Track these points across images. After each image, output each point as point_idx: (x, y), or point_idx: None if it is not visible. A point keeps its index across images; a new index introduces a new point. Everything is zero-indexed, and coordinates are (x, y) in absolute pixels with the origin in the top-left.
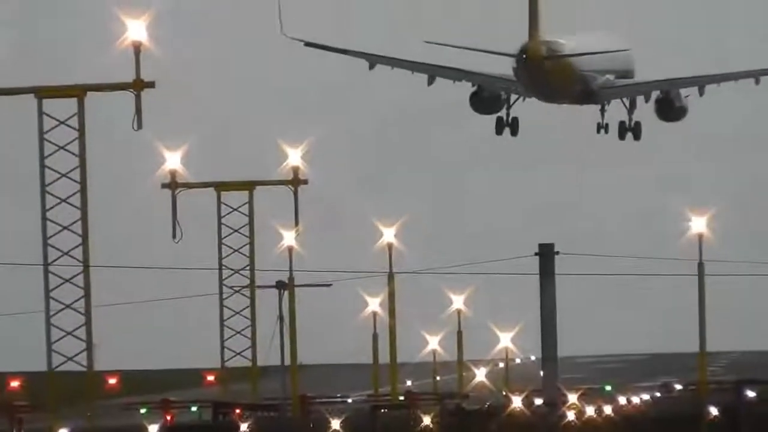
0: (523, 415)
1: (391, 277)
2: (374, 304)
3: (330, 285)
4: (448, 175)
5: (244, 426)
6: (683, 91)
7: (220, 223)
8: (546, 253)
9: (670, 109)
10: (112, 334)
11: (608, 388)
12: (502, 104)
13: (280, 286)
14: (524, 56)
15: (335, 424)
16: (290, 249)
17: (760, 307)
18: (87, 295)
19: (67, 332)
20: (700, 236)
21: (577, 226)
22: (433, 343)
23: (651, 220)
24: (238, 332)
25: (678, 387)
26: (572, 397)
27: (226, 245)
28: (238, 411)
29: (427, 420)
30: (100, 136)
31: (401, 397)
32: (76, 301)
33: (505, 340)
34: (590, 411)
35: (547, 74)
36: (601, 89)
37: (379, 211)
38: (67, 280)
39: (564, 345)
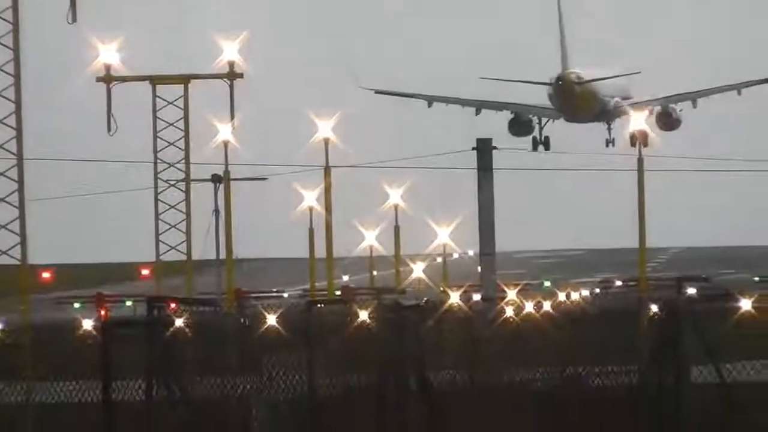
0: (460, 310)
1: (327, 171)
2: (311, 198)
3: (266, 179)
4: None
5: (179, 321)
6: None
7: (155, 117)
8: (483, 148)
9: (668, 121)
10: (47, 228)
11: (547, 283)
12: (533, 128)
13: (215, 179)
14: (560, 83)
15: (271, 319)
16: (226, 143)
17: (701, 203)
18: (21, 189)
19: (0, 226)
20: (641, 133)
21: None
22: (370, 237)
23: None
24: (173, 226)
25: (618, 283)
26: (511, 293)
27: (161, 139)
28: (173, 306)
29: (364, 315)
30: (35, 30)
31: (338, 292)
32: (9, 194)
33: (443, 235)
34: (529, 307)
35: (577, 97)
36: (615, 108)
37: (316, 106)
38: (0, 174)
39: (502, 241)
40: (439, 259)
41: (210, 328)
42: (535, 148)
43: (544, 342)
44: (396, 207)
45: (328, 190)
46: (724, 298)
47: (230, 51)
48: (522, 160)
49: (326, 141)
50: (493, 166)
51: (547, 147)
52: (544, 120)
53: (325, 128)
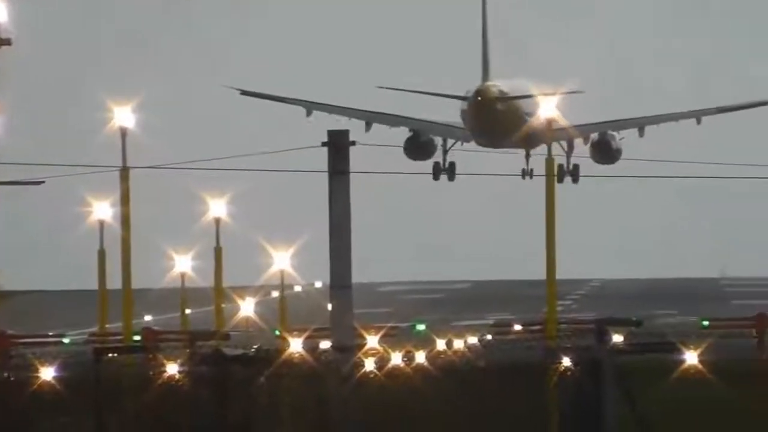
0: (304, 362)
1: (125, 171)
2: (102, 208)
3: (42, 182)
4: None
5: None
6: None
7: None
8: (337, 143)
9: (606, 152)
10: None
11: (421, 327)
12: (434, 150)
13: None
14: (479, 98)
15: (46, 373)
16: None
17: (628, 228)
18: None
19: None
20: (549, 120)
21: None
22: (183, 263)
23: None
24: None
25: (517, 327)
26: (372, 340)
27: None
28: None
29: (172, 368)
30: None
31: (136, 337)
32: None
33: (282, 260)
34: (397, 359)
35: (498, 116)
36: (541, 133)
37: (111, 87)
38: None
39: (362, 268)
40: (276, 293)
41: None
42: (436, 177)
43: (418, 405)
44: (218, 222)
45: (126, 198)
46: (662, 349)
47: None
48: (394, 163)
49: (123, 132)
50: (350, 168)
51: (451, 176)
52: (450, 142)
53: (123, 116)
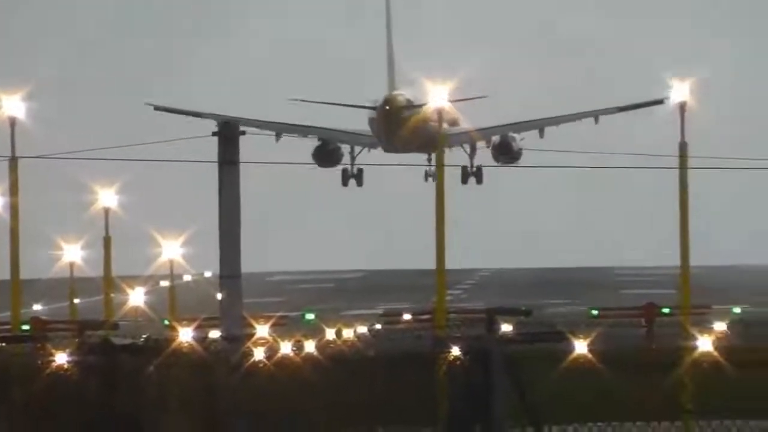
0: (193, 352)
1: (14, 161)
2: None
3: None
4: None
5: None
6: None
7: None
8: (227, 133)
9: (507, 153)
10: None
11: (310, 316)
12: (341, 157)
13: None
14: (387, 107)
15: None
16: None
17: (520, 217)
18: None
19: None
20: (439, 109)
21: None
22: (72, 253)
23: None
24: None
25: (406, 317)
26: (262, 329)
27: None
28: None
29: (61, 358)
30: None
31: (25, 327)
32: None
33: (172, 250)
34: (287, 348)
35: (405, 124)
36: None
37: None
38: None
39: (252, 258)
40: (165, 283)
41: None
42: (345, 183)
43: (307, 394)
44: (107, 212)
45: (14, 188)
46: (551, 338)
47: None
48: (289, 153)
49: (12, 122)
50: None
51: (359, 181)
52: (357, 149)
53: (12, 105)
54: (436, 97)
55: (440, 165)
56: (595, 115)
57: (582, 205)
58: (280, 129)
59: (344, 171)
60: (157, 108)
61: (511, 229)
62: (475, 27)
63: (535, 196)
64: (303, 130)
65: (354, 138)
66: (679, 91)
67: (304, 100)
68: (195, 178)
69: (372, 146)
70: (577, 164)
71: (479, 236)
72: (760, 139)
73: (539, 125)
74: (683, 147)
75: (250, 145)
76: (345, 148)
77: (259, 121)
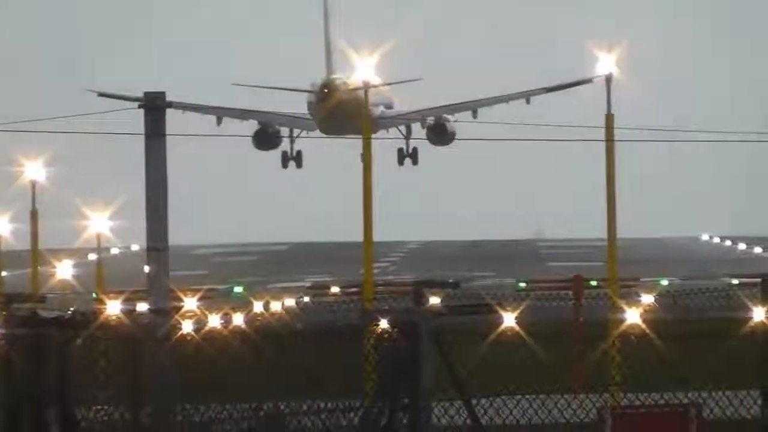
0: (121, 325)
1: None
2: None
3: None
4: None
5: None
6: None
7: None
8: (153, 105)
9: (441, 134)
10: None
11: (238, 289)
12: (280, 141)
13: None
14: (325, 90)
15: None
16: None
17: (445, 189)
18: None
19: None
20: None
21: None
22: None
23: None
24: None
25: (334, 289)
26: (189, 302)
27: None
28: None
29: None
30: None
31: None
32: None
33: (99, 223)
34: (215, 321)
35: (343, 107)
36: (380, 119)
37: None
38: None
39: (180, 231)
40: (93, 256)
41: None
42: (285, 165)
43: (235, 367)
44: (34, 184)
45: None
46: (479, 311)
47: None
48: (208, 126)
49: None
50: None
51: (299, 163)
52: (296, 132)
53: None
54: (366, 75)
55: (367, 138)
56: (526, 96)
57: (514, 180)
58: (221, 113)
59: (284, 153)
60: (101, 94)
61: (443, 207)
62: (413, 10)
63: (468, 174)
64: (243, 114)
65: (292, 121)
66: (606, 64)
67: (246, 85)
68: (124, 152)
69: (310, 129)
70: (505, 138)
71: (410, 214)
72: (689, 109)
73: (472, 107)
74: (610, 119)
75: (200, 126)
76: (284, 132)
77: (201, 106)
